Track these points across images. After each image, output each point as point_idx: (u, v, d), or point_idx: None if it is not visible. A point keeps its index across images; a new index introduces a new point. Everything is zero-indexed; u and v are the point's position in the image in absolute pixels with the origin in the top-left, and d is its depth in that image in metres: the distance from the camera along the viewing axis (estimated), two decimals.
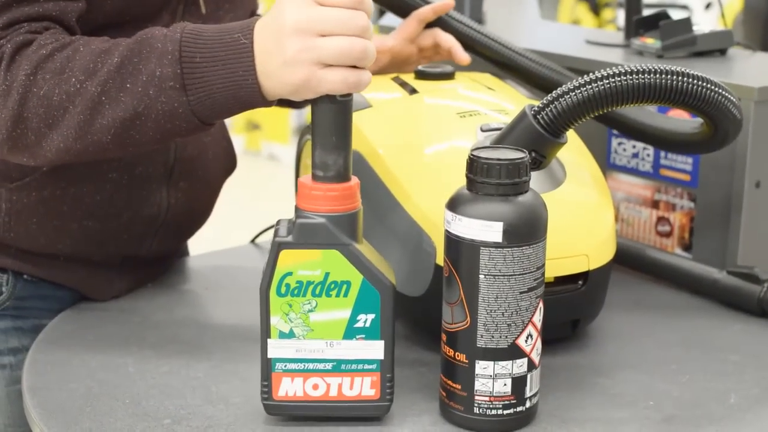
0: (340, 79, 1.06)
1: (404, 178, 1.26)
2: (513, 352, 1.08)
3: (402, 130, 1.33)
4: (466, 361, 1.08)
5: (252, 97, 1.11)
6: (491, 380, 1.08)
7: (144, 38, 1.14)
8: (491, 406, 1.09)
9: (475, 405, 1.09)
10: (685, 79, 1.19)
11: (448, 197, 1.09)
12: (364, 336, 1.09)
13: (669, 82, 1.18)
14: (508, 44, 1.53)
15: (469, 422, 1.10)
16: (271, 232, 1.67)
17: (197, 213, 1.50)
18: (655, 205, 1.56)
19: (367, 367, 1.09)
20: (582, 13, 6.42)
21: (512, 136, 1.21)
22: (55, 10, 1.19)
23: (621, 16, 3.52)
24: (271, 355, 1.10)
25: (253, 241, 1.71)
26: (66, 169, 1.31)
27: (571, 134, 1.32)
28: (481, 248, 1.05)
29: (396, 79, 1.46)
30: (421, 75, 1.45)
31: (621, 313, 1.41)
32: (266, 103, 1.12)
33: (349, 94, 1.07)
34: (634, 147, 1.57)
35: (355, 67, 1.06)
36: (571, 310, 1.28)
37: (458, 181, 1.09)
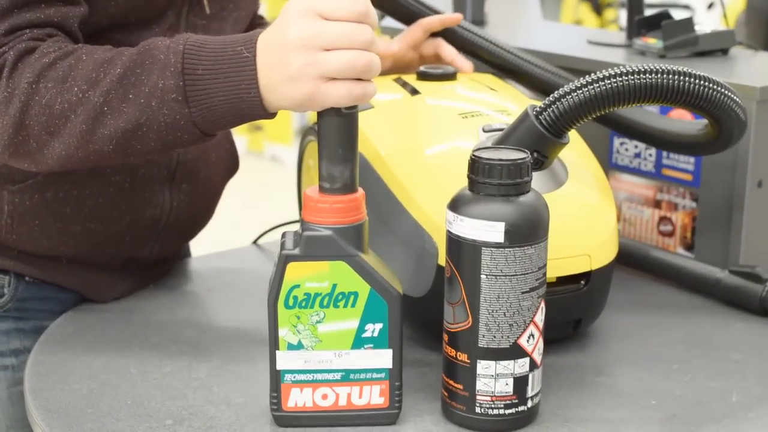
0: (345, 93, 1.05)
1: (406, 179, 1.26)
2: (515, 351, 1.08)
3: (404, 131, 1.33)
4: (468, 361, 1.08)
5: (254, 110, 1.11)
6: (493, 380, 1.08)
7: (147, 49, 1.14)
8: (493, 405, 1.09)
9: (477, 405, 1.09)
10: (688, 78, 1.19)
11: (450, 198, 1.09)
12: (372, 345, 1.09)
13: (671, 81, 1.18)
14: (512, 50, 1.53)
15: (471, 422, 1.10)
16: (274, 233, 1.67)
17: (199, 215, 1.50)
18: (657, 204, 1.56)
19: (375, 375, 1.10)
20: (584, 13, 6.42)
21: (514, 137, 1.21)
22: (57, 15, 1.19)
23: (623, 16, 3.52)
24: (279, 366, 1.10)
25: (255, 242, 1.71)
26: (69, 172, 1.31)
27: (573, 134, 1.32)
28: (483, 248, 1.05)
29: (398, 80, 1.46)
30: (423, 76, 1.45)
31: (623, 312, 1.41)
32: (268, 115, 1.12)
33: (355, 106, 1.07)
34: (636, 147, 1.57)
35: (359, 79, 1.06)
36: (573, 309, 1.28)
37: (460, 181, 1.09)
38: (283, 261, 1.07)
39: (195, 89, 1.11)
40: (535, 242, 1.06)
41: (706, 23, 1.74)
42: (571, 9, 6.42)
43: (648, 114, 1.43)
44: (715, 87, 1.21)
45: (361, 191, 1.09)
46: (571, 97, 1.18)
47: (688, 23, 1.62)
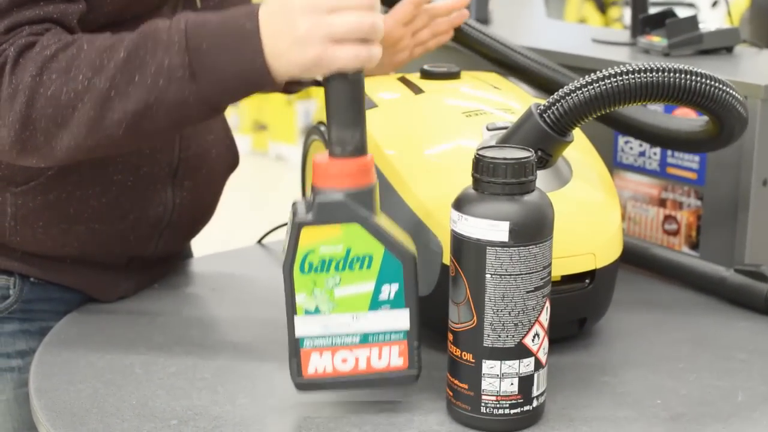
0: (353, 55, 1.07)
1: (411, 178, 1.26)
2: (520, 351, 1.07)
3: (408, 130, 1.33)
4: (473, 361, 1.08)
5: (262, 78, 1.11)
6: (498, 380, 1.08)
7: (148, 31, 1.14)
8: (498, 405, 1.09)
9: (482, 404, 1.09)
10: (691, 77, 1.19)
11: (454, 196, 1.09)
12: (389, 306, 1.10)
13: (674, 80, 1.18)
14: (514, 47, 1.53)
15: (476, 422, 1.10)
16: (278, 232, 1.67)
17: (202, 211, 1.50)
18: (662, 203, 1.56)
19: (394, 336, 1.11)
20: (588, 11, 6.42)
21: (518, 135, 1.21)
22: (56, 12, 1.19)
23: (627, 14, 3.52)
24: (298, 333, 1.10)
25: (260, 241, 1.71)
26: (71, 172, 1.31)
27: (577, 133, 1.32)
28: (488, 248, 1.05)
29: (401, 79, 1.46)
30: (427, 75, 1.45)
31: (628, 311, 1.41)
32: (275, 85, 1.13)
33: (361, 71, 1.08)
34: (640, 146, 1.57)
35: (365, 42, 1.07)
36: (577, 308, 1.28)
37: (465, 180, 1.09)
38: (297, 227, 1.08)
39: (201, 65, 1.11)
40: (539, 241, 1.06)
41: (711, 21, 1.74)
42: (575, 7, 6.42)
43: (649, 112, 1.43)
44: (717, 85, 1.21)
45: (370, 155, 1.10)
46: (575, 96, 1.18)
47: (693, 21, 1.62)
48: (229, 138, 1.56)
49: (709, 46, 1.62)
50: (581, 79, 1.19)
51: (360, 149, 1.09)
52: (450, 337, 1.11)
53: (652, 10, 1.74)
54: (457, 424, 1.11)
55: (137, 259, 1.44)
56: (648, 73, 1.17)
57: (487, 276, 1.05)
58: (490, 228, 1.05)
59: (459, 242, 1.07)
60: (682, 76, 1.18)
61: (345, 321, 1.10)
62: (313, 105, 6.45)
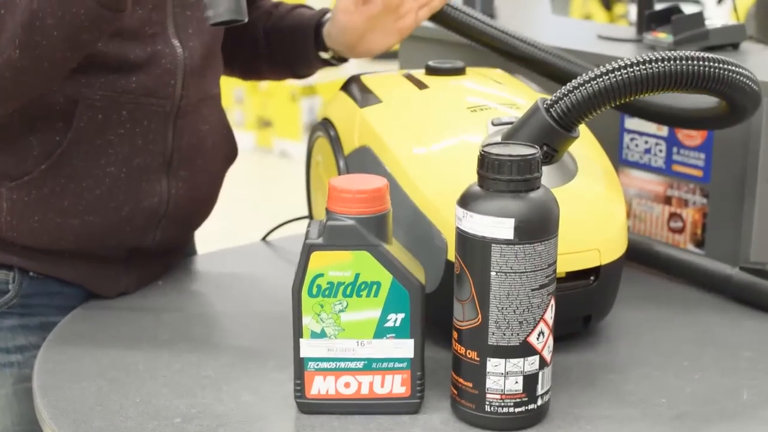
0: None
1: (415, 174, 1.26)
2: (524, 349, 1.07)
3: (413, 126, 1.33)
4: (478, 359, 1.08)
5: None
6: (502, 378, 1.08)
7: None
8: (502, 404, 1.08)
9: (487, 403, 1.09)
10: (699, 62, 1.17)
11: (460, 193, 1.09)
12: (394, 335, 1.11)
13: (682, 67, 1.17)
14: (497, 26, 1.53)
15: (480, 420, 1.09)
16: (283, 229, 1.67)
17: (200, 203, 1.49)
18: (667, 201, 1.56)
19: (397, 365, 1.11)
20: (594, 7, 6.42)
21: (524, 130, 1.20)
22: None
23: (633, 10, 3.51)
24: (303, 354, 1.12)
25: (264, 238, 1.71)
26: (64, 165, 1.31)
27: (583, 129, 1.32)
28: (493, 245, 1.05)
29: (406, 75, 1.46)
30: (432, 71, 1.45)
31: (633, 309, 1.40)
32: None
33: None
34: (646, 143, 1.56)
35: None
36: (582, 305, 1.27)
37: (470, 176, 1.09)
38: (307, 250, 1.09)
39: None
40: (545, 239, 1.05)
41: (716, 17, 1.73)
42: (580, 4, 6.41)
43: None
44: (726, 67, 1.20)
45: (384, 182, 1.11)
46: (582, 90, 1.17)
47: (699, 18, 1.61)
48: (226, 128, 1.54)
49: (715, 43, 1.61)
50: (587, 73, 1.18)
51: (234, 10, 1.12)
52: (454, 334, 1.11)
53: (658, 7, 1.73)
54: (461, 422, 1.11)
55: (137, 254, 1.43)
56: (654, 63, 1.17)
57: (492, 274, 1.05)
58: (495, 225, 1.04)
59: (464, 240, 1.07)
60: (690, 62, 1.17)
61: (350, 346, 1.11)
62: (317, 101, 6.45)
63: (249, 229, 2.47)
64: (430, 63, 1.46)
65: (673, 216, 1.55)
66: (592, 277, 1.25)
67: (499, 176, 1.05)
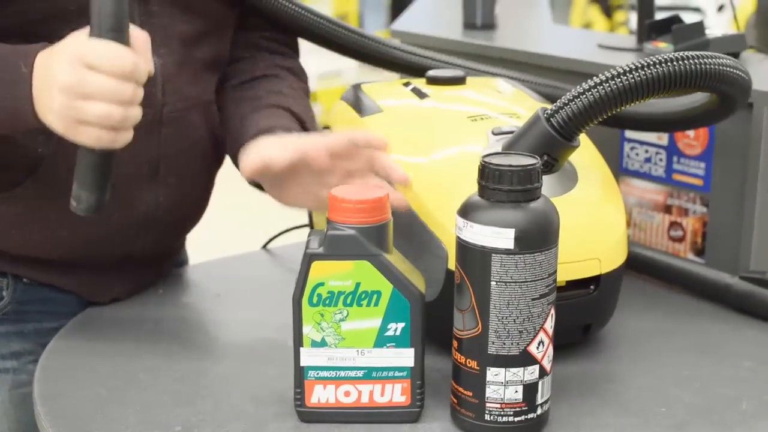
0: (95, 138, 1.12)
1: (416, 183, 1.26)
2: (524, 358, 1.07)
3: (413, 135, 1.33)
4: (477, 368, 1.08)
5: (27, 120, 1.15)
6: (502, 387, 1.08)
7: None
8: (502, 413, 1.08)
9: (486, 412, 1.09)
10: (693, 61, 1.18)
11: (460, 202, 1.09)
12: (394, 344, 1.11)
13: (677, 68, 1.17)
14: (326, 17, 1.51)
15: (480, 429, 1.09)
16: (283, 237, 1.67)
17: (190, 208, 1.48)
18: (667, 210, 1.56)
19: (397, 374, 1.12)
20: (594, 15, 6.42)
21: (525, 139, 1.21)
22: None
23: (633, 18, 3.52)
24: (303, 363, 1.12)
25: (264, 246, 1.71)
26: (48, 178, 1.31)
27: (583, 138, 1.32)
28: (493, 255, 1.05)
29: (407, 84, 1.46)
30: (432, 80, 1.45)
31: (633, 318, 1.40)
32: (42, 126, 1.15)
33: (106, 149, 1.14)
34: (646, 152, 1.57)
35: (112, 129, 1.12)
36: (582, 314, 1.27)
37: (470, 185, 1.09)
38: (308, 259, 1.09)
39: None
40: (545, 249, 1.06)
41: (716, 26, 1.73)
42: (580, 11, 6.42)
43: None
44: (720, 62, 1.20)
45: (385, 191, 1.11)
46: (582, 99, 1.18)
47: (699, 27, 1.62)
48: (216, 135, 1.52)
49: (715, 52, 1.61)
50: (585, 83, 1.19)
51: (94, 210, 1.15)
52: (455, 344, 1.11)
53: (659, 16, 1.73)
54: (461, 431, 1.11)
55: (129, 260, 1.43)
56: (651, 68, 1.17)
57: (492, 283, 1.05)
58: (495, 235, 1.04)
59: (464, 249, 1.07)
60: (684, 62, 1.18)
61: (350, 355, 1.11)
62: (318, 110, 6.45)
63: (249, 238, 2.47)
64: (431, 72, 1.46)
65: (673, 225, 1.55)
66: (592, 286, 1.26)
67: (499, 186, 1.05)
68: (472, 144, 1.28)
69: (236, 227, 3.64)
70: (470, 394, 1.09)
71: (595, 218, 1.26)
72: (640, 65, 1.17)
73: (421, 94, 1.41)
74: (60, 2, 1.25)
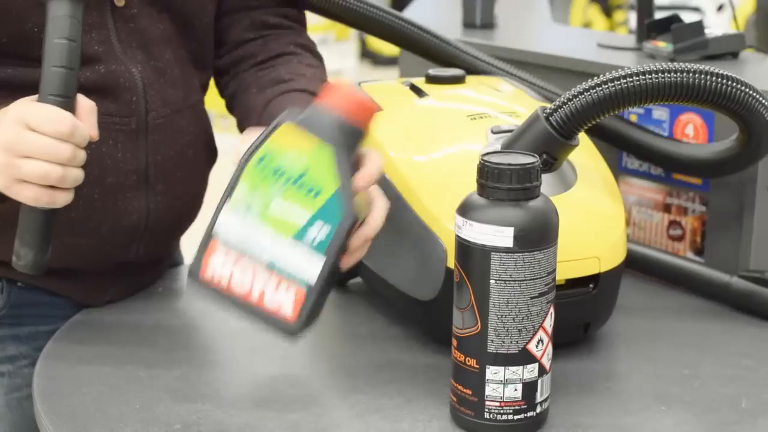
0: (33, 196, 1.14)
1: (415, 181, 1.26)
2: (524, 357, 1.07)
3: (412, 133, 1.33)
4: (477, 366, 1.08)
5: None
6: (502, 385, 1.08)
7: None
8: (502, 411, 1.08)
9: (486, 410, 1.09)
10: (696, 76, 1.18)
11: (460, 200, 1.09)
12: (309, 245, 1.07)
13: (681, 80, 1.18)
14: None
15: (479, 427, 1.10)
16: None
17: (182, 212, 1.46)
18: (666, 208, 1.56)
19: (298, 280, 1.08)
20: (594, 14, 6.42)
21: (524, 138, 1.21)
22: None
23: (633, 18, 3.52)
24: (219, 221, 1.10)
25: None
26: None
27: (582, 137, 1.32)
28: (492, 253, 1.05)
29: (406, 83, 1.46)
30: (432, 79, 1.45)
31: (632, 317, 1.40)
32: None
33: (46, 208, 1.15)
34: None
35: (51, 188, 1.13)
36: (582, 313, 1.28)
37: (469, 184, 1.09)
38: (276, 124, 1.08)
39: None
40: (544, 247, 1.06)
41: (716, 26, 1.73)
42: (580, 10, 6.42)
43: (672, 141, 1.44)
44: (726, 83, 1.20)
45: (377, 107, 1.11)
46: (583, 98, 1.18)
47: (698, 27, 1.62)
48: (207, 134, 1.50)
49: (714, 52, 1.61)
50: (587, 82, 1.19)
51: (33, 268, 1.17)
52: (454, 342, 1.11)
53: (658, 15, 1.73)
54: (460, 429, 1.11)
55: (123, 266, 1.40)
56: (654, 75, 1.17)
57: (492, 282, 1.05)
58: (494, 234, 1.05)
59: (463, 248, 1.07)
60: (689, 75, 1.18)
61: (264, 237, 1.08)
62: None
63: None
64: (431, 71, 1.46)
65: (672, 224, 1.55)
66: (591, 285, 1.26)
67: (498, 185, 1.05)
68: (471, 143, 1.28)
69: None
70: (470, 392, 1.09)
71: (594, 217, 1.27)
72: (644, 70, 1.17)
73: (420, 93, 1.41)
74: (26, 25, 1.26)
